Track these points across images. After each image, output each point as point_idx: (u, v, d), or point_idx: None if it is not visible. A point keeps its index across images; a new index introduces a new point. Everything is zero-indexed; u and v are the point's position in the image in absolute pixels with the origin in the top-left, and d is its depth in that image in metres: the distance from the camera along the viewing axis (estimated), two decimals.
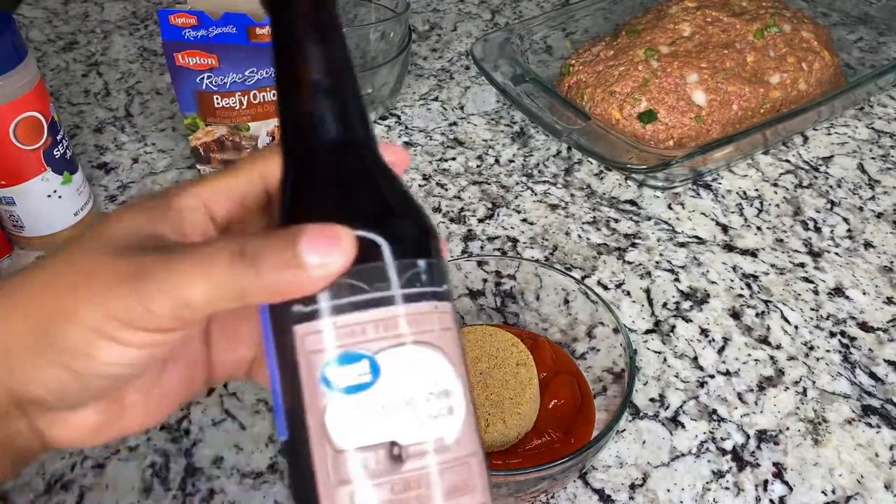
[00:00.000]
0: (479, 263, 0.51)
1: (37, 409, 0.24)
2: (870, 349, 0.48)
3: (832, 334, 0.49)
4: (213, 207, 0.25)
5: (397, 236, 0.23)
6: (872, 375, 0.47)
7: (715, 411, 0.45)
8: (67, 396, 0.24)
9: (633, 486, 0.41)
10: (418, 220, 0.24)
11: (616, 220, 0.58)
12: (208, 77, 0.55)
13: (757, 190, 0.61)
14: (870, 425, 0.44)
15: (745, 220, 0.58)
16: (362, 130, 0.24)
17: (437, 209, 0.60)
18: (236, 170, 0.26)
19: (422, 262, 0.23)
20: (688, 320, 0.50)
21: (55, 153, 0.53)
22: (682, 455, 0.43)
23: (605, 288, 0.53)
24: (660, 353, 0.48)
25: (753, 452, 0.43)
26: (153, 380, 0.26)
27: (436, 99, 0.72)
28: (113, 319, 0.22)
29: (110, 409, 0.25)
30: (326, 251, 0.21)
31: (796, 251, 0.55)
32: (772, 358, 0.48)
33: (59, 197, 0.55)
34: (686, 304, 0.51)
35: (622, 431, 0.44)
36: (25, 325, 0.23)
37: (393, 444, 0.21)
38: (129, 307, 0.22)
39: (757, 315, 0.51)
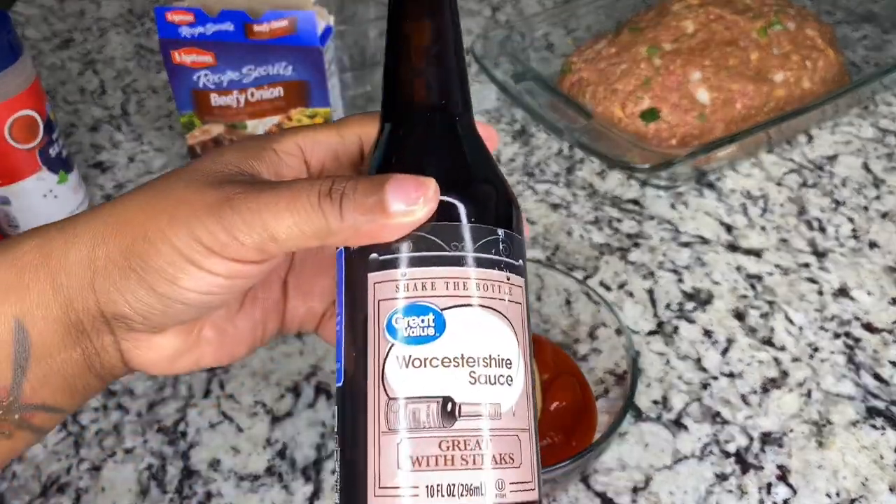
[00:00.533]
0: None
1: (122, 327, 0.25)
2: (875, 350, 0.48)
3: (837, 335, 0.49)
4: (309, 155, 0.26)
5: (479, 201, 0.23)
6: (877, 377, 0.46)
7: (718, 413, 0.44)
8: (151, 317, 0.24)
9: (635, 490, 0.41)
10: (502, 191, 0.24)
11: (618, 220, 0.58)
12: (205, 75, 0.55)
13: (761, 189, 0.60)
14: (874, 427, 0.44)
15: (749, 219, 0.58)
16: (460, 99, 0.25)
17: None
18: (336, 125, 0.27)
19: (500, 231, 0.23)
20: (691, 321, 0.50)
21: (51, 152, 0.53)
22: (686, 458, 0.42)
23: (608, 288, 0.52)
24: (663, 354, 0.48)
25: (757, 455, 0.42)
26: (229, 318, 0.27)
27: None
28: (199, 245, 0.23)
29: (188, 339, 0.26)
30: (412, 199, 0.22)
31: (801, 251, 0.55)
32: (776, 359, 0.47)
33: (55, 196, 0.54)
34: (689, 305, 0.51)
35: (624, 434, 0.43)
36: (116, 246, 0.24)
37: (448, 399, 0.21)
38: (214, 235, 0.22)
39: (761, 316, 0.50)
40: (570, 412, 0.41)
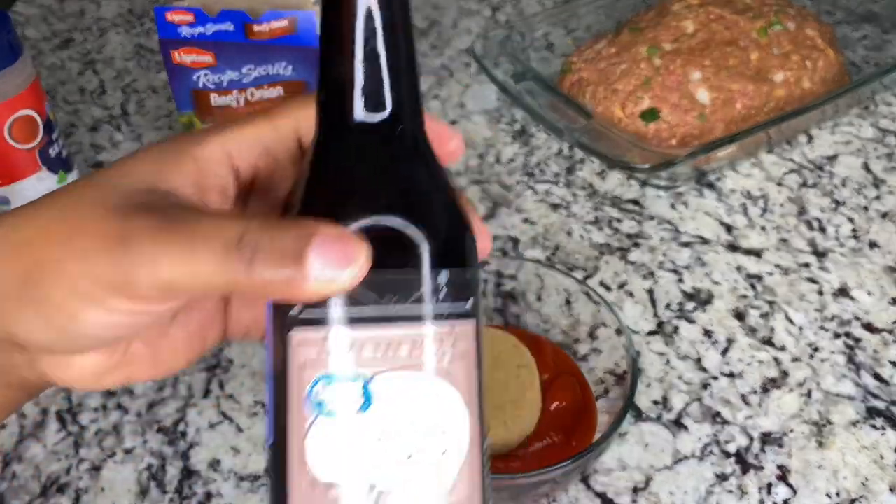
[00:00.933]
0: (480, 263, 0.51)
1: (32, 349, 0.23)
2: (875, 350, 0.48)
3: (837, 335, 0.49)
4: (238, 159, 0.23)
5: (418, 243, 0.20)
6: (877, 377, 0.46)
7: (718, 413, 0.44)
8: (55, 347, 0.22)
9: (635, 490, 0.41)
10: (448, 224, 0.21)
11: (618, 220, 0.58)
12: (205, 75, 0.55)
13: (761, 189, 0.60)
14: (874, 427, 0.44)
15: (749, 219, 0.58)
16: (404, 108, 0.21)
17: None
18: (268, 117, 0.23)
19: (444, 275, 0.20)
20: (691, 321, 0.50)
21: (50, 152, 0.53)
22: (686, 458, 0.42)
23: (608, 288, 0.52)
24: (663, 354, 0.48)
25: (757, 455, 0.42)
26: (160, 334, 0.25)
27: (436, 97, 0.71)
28: (97, 282, 0.20)
29: (113, 357, 0.24)
30: (338, 267, 0.19)
31: (801, 251, 0.55)
32: (776, 359, 0.47)
33: None
34: (689, 305, 0.51)
35: (624, 434, 0.43)
36: (13, 271, 0.21)
37: (372, 486, 0.19)
38: (109, 275, 0.20)
39: (761, 316, 0.50)
40: (570, 412, 0.41)
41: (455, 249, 0.21)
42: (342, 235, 0.19)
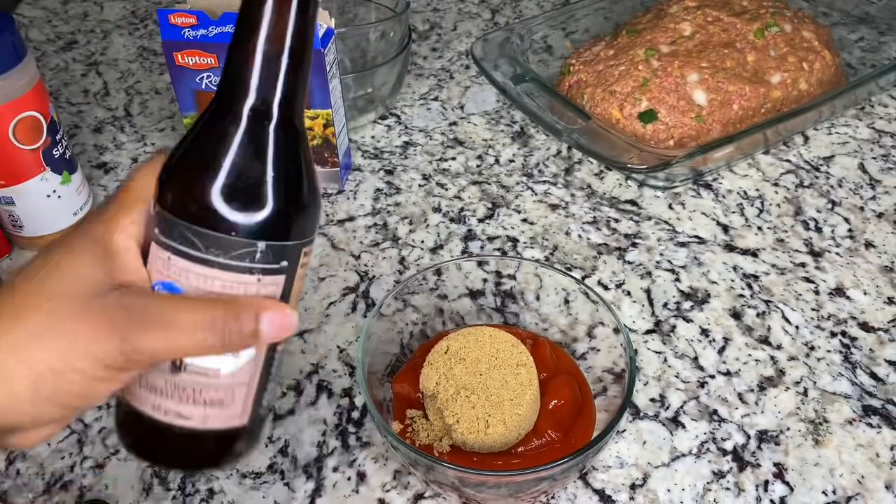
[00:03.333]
0: (479, 263, 0.51)
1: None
2: (871, 349, 0.48)
3: (833, 334, 0.49)
4: (137, 237, 0.28)
5: (241, 219, 0.26)
6: (873, 375, 0.47)
7: (715, 411, 0.45)
8: (43, 423, 0.27)
9: (633, 487, 0.41)
10: (275, 209, 0.26)
11: (616, 220, 0.58)
12: (207, 76, 0.55)
13: (758, 190, 0.61)
14: (870, 425, 0.44)
15: (746, 219, 0.58)
16: (267, 96, 0.26)
17: (437, 209, 0.59)
18: (137, 194, 0.28)
19: (261, 244, 0.26)
20: (688, 320, 0.50)
21: (54, 153, 0.53)
22: (683, 455, 0.43)
23: (606, 288, 0.53)
24: (660, 353, 0.48)
25: (754, 453, 0.43)
26: None
27: (436, 98, 0.72)
28: (99, 364, 0.26)
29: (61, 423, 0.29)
30: (279, 331, 0.27)
31: (797, 251, 0.55)
32: (772, 358, 0.48)
33: (59, 197, 0.54)
34: (686, 305, 0.51)
35: (622, 432, 0.44)
36: (27, 378, 0.26)
37: (178, 359, 0.27)
38: (113, 357, 0.26)
39: (758, 315, 0.50)
40: (569, 410, 0.41)
41: (273, 227, 0.26)
42: (279, 311, 0.27)
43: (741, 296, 0.52)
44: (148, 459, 0.29)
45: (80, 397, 0.26)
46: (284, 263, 0.27)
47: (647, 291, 0.52)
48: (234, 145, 0.26)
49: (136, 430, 0.29)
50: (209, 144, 0.26)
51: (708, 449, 0.43)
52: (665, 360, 0.48)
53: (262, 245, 0.26)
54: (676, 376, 0.47)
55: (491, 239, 0.57)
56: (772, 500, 0.41)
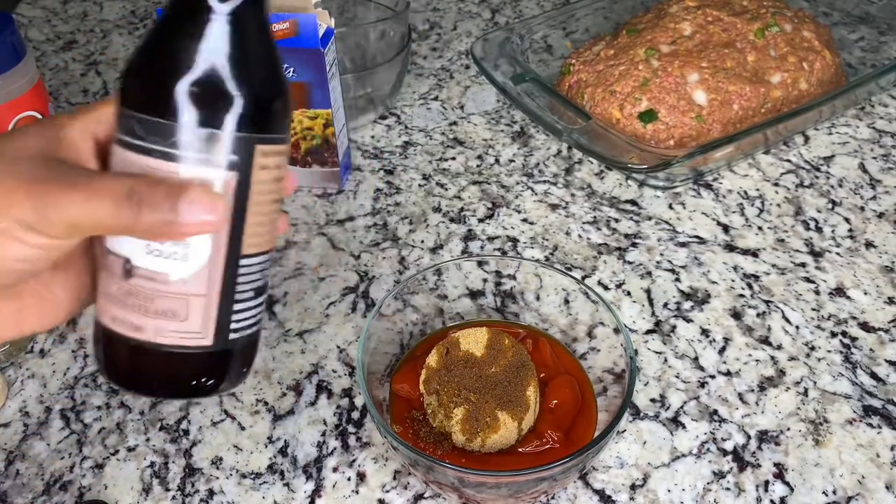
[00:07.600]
0: (479, 263, 0.51)
1: None
2: (871, 349, 0.48)
3: (833, 334, 0.49)
4: (98, 134, 0.28)
5: (199, 108, 0.25)
6: (874, 376, 0.47)
7: (716, 412, 0.45)
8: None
9: (633, 487, 0.41)
10: (217, 98, 0.25)
11: (616, 220, 0.58)
12: None
13: (758, 190, 0.60)
14: (871, 426, 0.44)
15: (746, 219, 0.58)
16: None
17: (437, 209, 0.59)
18: (105, 101, 0.29)
19: (202, 132, 0.25)
20: (688, 320, 0.50)
21: None
22: (683, 455, 0.43)
23: (606, 288, 0.53)
24: (660, 353, 0.48)
25: (754, 453, 0.43)
26: (46, 285, 0.29)
27: (436, 98, 0.72)
28: (16, 223, 0.25)
29: (10, 306, 0.29)
30: (201, 216, 0.25)
31: (797, 251, 0.55)
32: (773, 358, 0.48)
33: None
34: (687, 305, 0.51)
35: (623, 432, 0.44)
36: None
37: (127, 260, 0.27)
38: (30, 215, 0.25)
39: (758, 315, 0.50)
40: (569, 410, 0.41)
41: (209, 108, 0.25)
42: (204, 192, 0.25)
43: (741, 296, 0.52)
44: (115, 381, 0.29)
45: (19, 260, 0.26)
46: (233, 158, 0.26)
47: (648, 291, 0.52)
48: (167, 22, 0.26)
49: (103, 347, 0.28)
50: (149, 33, 0.27)
51: (708, 449, 0.43)
52: (665, 360, 0.48)
53: (200, 131, 0.25)
54: (677, 376, 0.47)
55: (491, 239, 0.57)
56: (772, 501, 0.41)
